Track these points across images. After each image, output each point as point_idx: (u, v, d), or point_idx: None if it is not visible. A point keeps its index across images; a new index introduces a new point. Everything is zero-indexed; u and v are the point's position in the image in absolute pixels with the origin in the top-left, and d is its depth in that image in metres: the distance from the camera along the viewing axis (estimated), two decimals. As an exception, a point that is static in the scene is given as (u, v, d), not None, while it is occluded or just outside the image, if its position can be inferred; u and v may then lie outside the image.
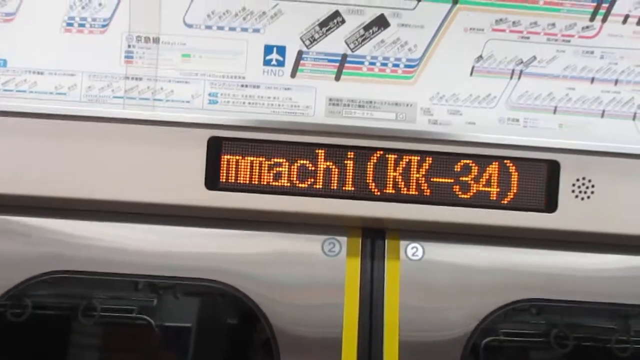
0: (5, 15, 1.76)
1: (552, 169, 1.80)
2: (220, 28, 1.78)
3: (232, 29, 1.78)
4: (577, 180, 1.81)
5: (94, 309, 1.95)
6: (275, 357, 1.81)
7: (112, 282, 1.92)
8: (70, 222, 1.85)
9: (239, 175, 1.78)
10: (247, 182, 1.78)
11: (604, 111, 1.82)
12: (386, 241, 1.92)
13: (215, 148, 1.78)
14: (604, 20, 1.80)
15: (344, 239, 1.91)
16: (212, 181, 1.78)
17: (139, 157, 1.77)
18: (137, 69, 1.78)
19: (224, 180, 1.78)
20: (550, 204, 1.80)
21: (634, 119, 1.82)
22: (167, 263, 1.85)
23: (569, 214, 1.80)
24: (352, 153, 1.79)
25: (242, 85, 1.79)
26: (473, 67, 1.81)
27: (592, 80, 1.82)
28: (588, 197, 1.81)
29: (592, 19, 1.80)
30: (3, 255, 1.82)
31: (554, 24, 1.80)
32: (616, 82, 1.82)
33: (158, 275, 1.87)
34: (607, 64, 1.82)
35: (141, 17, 1.77)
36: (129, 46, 1.78)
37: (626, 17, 1.80)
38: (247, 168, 1.78)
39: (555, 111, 1.82)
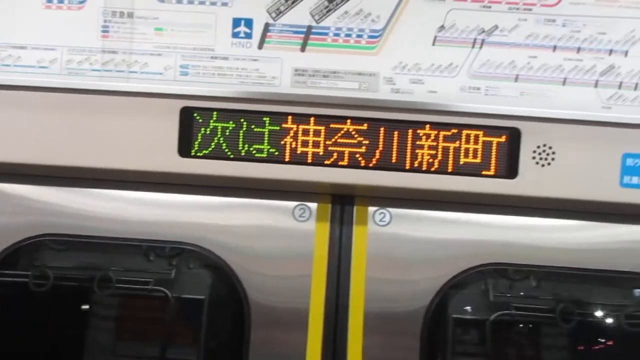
0: (-11, -6, 1.88)
1: (513, 136, 1.84)
2: (191, 2, 1.86)
3: (201, 2, 1.85)
4: (538, 147, 1.84)
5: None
6: (247, 325, 1.90)
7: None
8: (52, 189, 1.97)
9: (209, 143, 1.87)
10: (218, 149, 1.87)
11: (565, 79, 1.84)
12: (355, 207, 2.00)
13: (187, 118, 1.86)
14: (565, -12, 1.82)
15: (314, 205, 1.99)
16: (185, 149, 1.86)
17: (116, 127, 1.86)
18: (113, 43, 1.87)
19: (195, 148, 1.87)
20: (510, 171, 1.84)
21: (595, 86, 1.84)
22: (146, 229, 1.97)
23: (529, 180, 1.84)
24: (318, 121, 1.85)
25: (212, 57, 1.86)
26: (435, 37, 1.84)
27: (555, 48, 1.84)
28: (549, 164, 1.84)
29: (553, -13, 1.82)
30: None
31: (515, -7, 1.82)
32: (578, 49, 1.84)
33: (138, 238, 1.98)
34: (569, 32, 1.83)
35: (116, -8, 1.86)
36: (105, 21, 1.87)
37: (588, -16, 1.82)
38: (217, 136, 1.86)
39: (516, 79, 1.84)
